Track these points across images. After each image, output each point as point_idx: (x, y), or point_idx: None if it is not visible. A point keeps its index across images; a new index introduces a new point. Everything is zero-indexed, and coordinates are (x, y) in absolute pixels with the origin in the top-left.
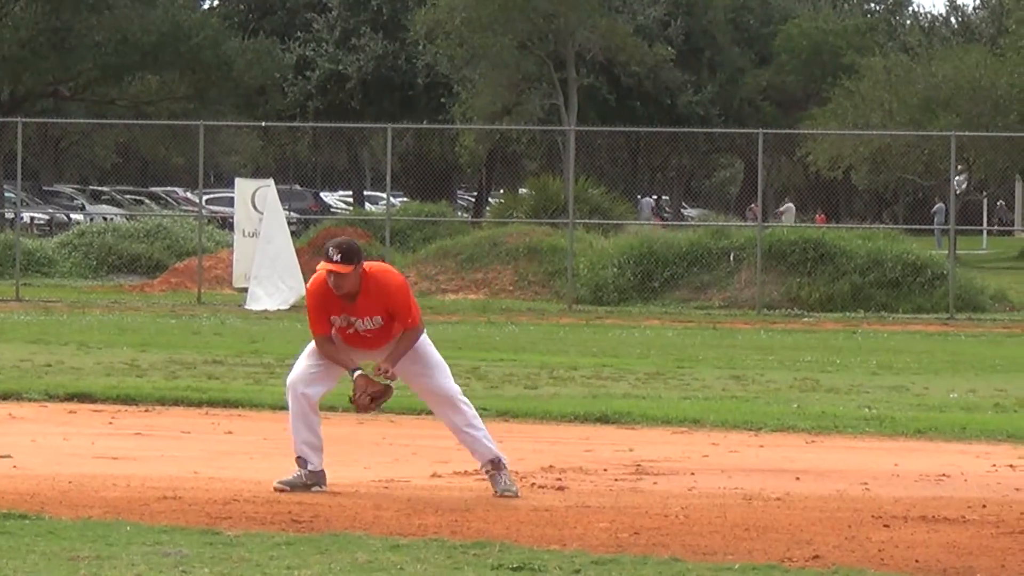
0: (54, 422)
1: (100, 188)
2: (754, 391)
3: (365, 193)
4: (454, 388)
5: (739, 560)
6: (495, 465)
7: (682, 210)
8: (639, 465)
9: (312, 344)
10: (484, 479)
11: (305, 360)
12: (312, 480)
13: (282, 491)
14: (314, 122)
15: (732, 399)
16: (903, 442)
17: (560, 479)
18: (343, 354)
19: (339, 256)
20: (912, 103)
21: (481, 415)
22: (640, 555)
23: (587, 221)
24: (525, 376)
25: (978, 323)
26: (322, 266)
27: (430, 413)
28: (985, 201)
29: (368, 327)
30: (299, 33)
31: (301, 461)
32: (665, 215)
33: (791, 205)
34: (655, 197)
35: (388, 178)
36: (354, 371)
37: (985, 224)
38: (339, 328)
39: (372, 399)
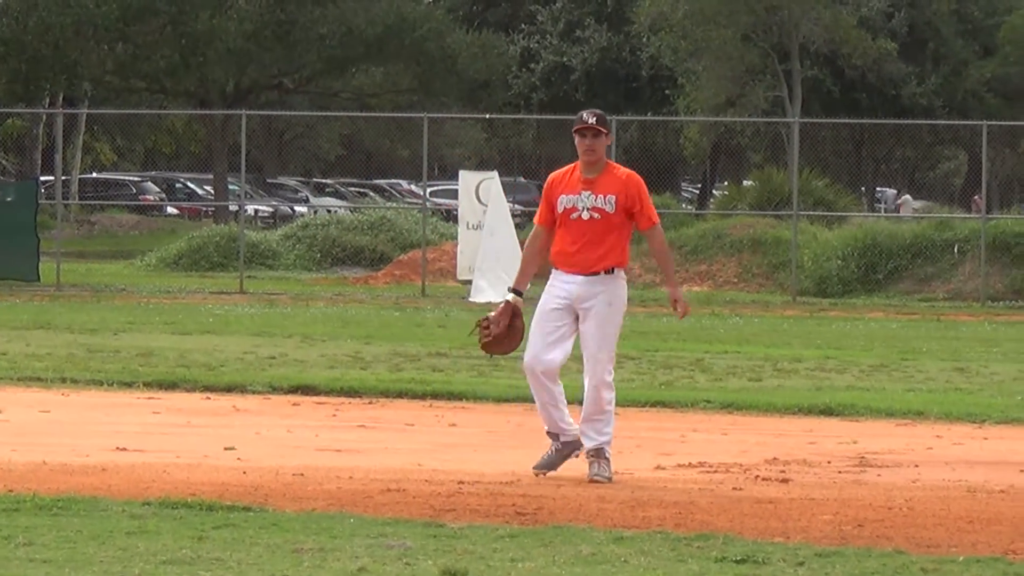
0: (278, 414)
1: (324, 180)
2: (978, 383)
3: None
4: (607, 363)
5: (963, 553)
6: (597, 454)
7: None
8: (863, 457)
9: (536, 317)
10: (707, 472)
11: (535, 334)
12: (568, 450)
13: (540, 474)
14: (538, 114)
15: (956, 391)
16: None
17: (784, 471)
18: (535, 262)
19: (594, 119)
20: None
21: (705, 407)
22: (863, 547)
23: (811, 213)
24: (749, 368)
25: None
26: (576, 128)
27: (653, 406)
28: None
29: (600, 205)
30: (523, 25)
31: (553, 436)
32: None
33: (908, 196)
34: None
35: None
36: (515, 295)
37: None
38: (565, 211)
39: (500, 335)
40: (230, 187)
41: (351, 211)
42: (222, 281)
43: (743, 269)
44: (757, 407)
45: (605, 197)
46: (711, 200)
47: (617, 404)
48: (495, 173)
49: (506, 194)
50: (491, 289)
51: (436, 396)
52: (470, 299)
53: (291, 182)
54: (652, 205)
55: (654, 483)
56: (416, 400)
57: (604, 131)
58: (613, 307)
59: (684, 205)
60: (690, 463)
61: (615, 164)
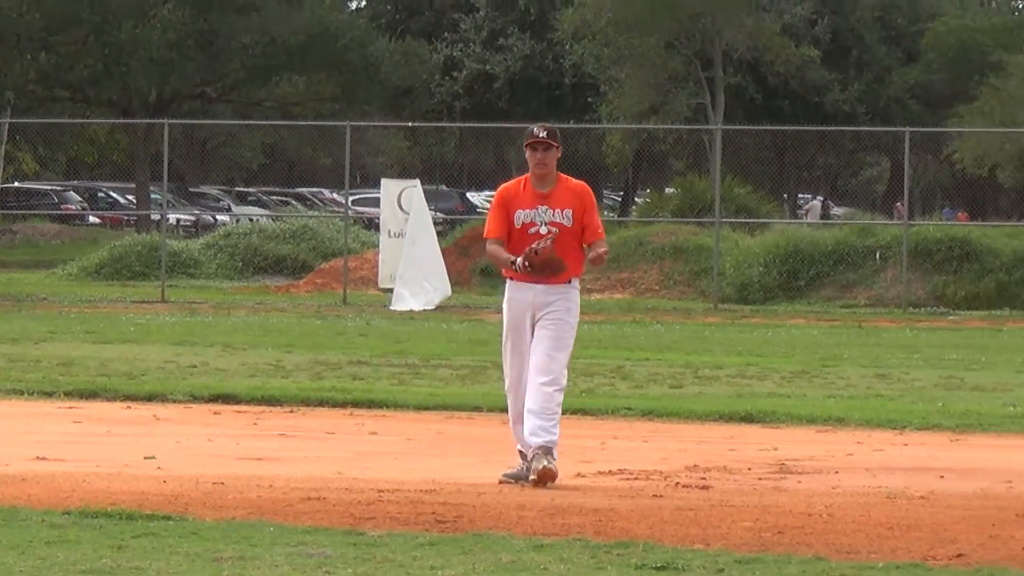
0: (199, 423)
1: (246, 189)
2: (899, 389)
3: None
4: (563, 366)
5: (882, 559)
6: (547, 451)
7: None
8: (783, 464)
9: (506, 348)
10: (628, 479)
11: (512, 352)
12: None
13: (506, 483)
14: (461, 122)
15: (877, 397)
16: None
17: (704, 478)
18: (505, 253)
19: (545, 132)
20: None
21: (625, 414)
22: (783, 554)
23: (733, 220)
24: (670, 375)
25: None
26: (527, 142)
27: (574, 413)
28: None
29: (558, 220)
30: (446, 33)
31: (524, 455)
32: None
33: (816, 203)
34: (822, 198)
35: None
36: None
37: None
38: (523, 226)
39: (543, 252)
40: (152, 196)
41: (273, 220)
42: (143, 290)
43: (665, 276)
44: (678, 414)
45: (563, 212)
46: (633, 207)
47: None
48: (417, 181)
49: (428, 202)
50: (413, 298)
51: (357, 404)
52: (392, 307)
53: (213, 191)
54: (599, 219)
55: (574, 490)
56: (337, 408)
57: (555, 144)
58: (571, 313)
59: (606, 212)
60: (610, 470)
61: (565, 176)
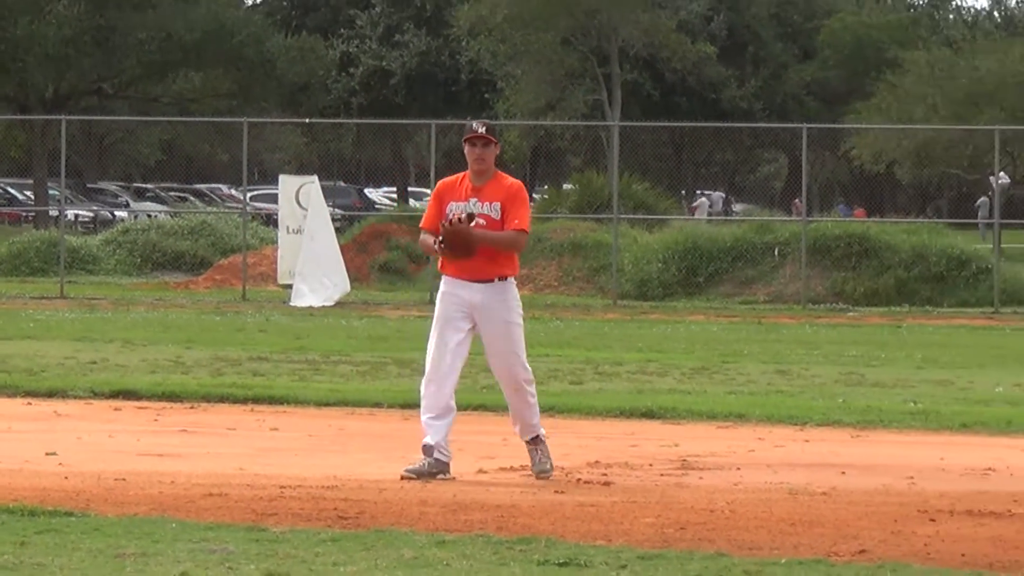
0: (99, 419)
1: (144, 185)
2: (799, 386)
3: (409, 189)
4: (523, 365)
5: (785, 555)
6: (534, 443)
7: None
8: (684, 460)
9: (433, 339)
10: (530, 475)
11: (438, 345)
12: (437, 468)
13: (408, 479)
14: (358, 118)
15: (777, 394)
16: (948, 436)
17: (606, 474)
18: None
19: (483, 128)
20: (956, 97)
21: None
22: (686, 550)
23: (631, 216)
24: (570, 372)
25: (1023, 317)
26: (466, 137)
27: (475, 409)
28: None
29: (486, 212)
30: (342, 30)
31: (428, 449)
32: (733, 211)
33: (704, 200)
34: (723, 194)
35: (432, 174)
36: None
37: None
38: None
39: (455, 224)
40: (50, 192)
41: (171, 216)
42: (42, 286)
43: (563, 273)
44: (578, 410)
45: (491, 204)
46: (531, 204)
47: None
48: (315, 177)
49: (326, 198)
50: (312, 294)
51: (257, 400)
52: (291, 303)
53: (111, 187)
54: (527, 215)
55: (476, 486)
56: (237, 404)
57: (493, 140)
58: (513, 311)
59: None
60: (512, 466)
61: (504, 174)
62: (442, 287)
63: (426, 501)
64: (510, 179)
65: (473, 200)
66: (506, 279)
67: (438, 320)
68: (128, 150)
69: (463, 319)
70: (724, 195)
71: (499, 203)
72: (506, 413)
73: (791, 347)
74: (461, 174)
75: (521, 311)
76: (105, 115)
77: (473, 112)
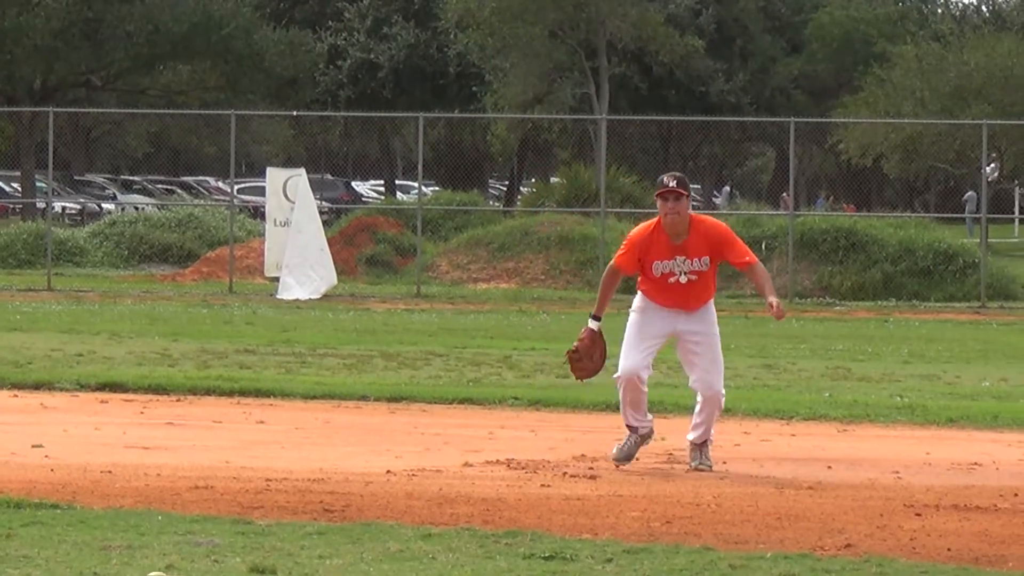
0: (86, 412)
1: (131, 178)
2: (786, 380)
3: (396, 182)
4: (721, 378)
5: (771, 549)
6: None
7: (714, 199)
8: (671, 454)
9: (630, 329)
10: (516, 469)
11: (633, 347)
12: (643, 442)
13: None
14: (345, 111)
15: (764, 388)
16: (935, 431)
17: (592, 468)
18: (612, 293)
19: (675, 182)
20: (944, 91)
21: (513, 404)
22: (672, 544)
23: (619, 210)
24: (557, 365)
25: (1010, 311)
26: (658, 192)
27: (462, 402)
28: (1017, 189)
29: (696, 268)
30: (330, 22)
31: (632, 428)
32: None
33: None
34: (729, 188)
35: (420, 167)
36: (595, 321)
37: (1017, 213)
38: (663, 275)
39: (582, 359)
40: (37, 184)
41: (159, 208)
42: (29, 278)
43: (550, 266)
44: (565, 404)
45: (700, 259)
46: (518, 197)
47: (425, 401)
48: (302, 170)
49: (313, 191)
50: (299, 287)
51: (244, 393)
52: (278, 296)
53: (99, 179)
54: (743, 245)
55: (462, 480)
56: (224, 397)
57: (686, 194)
58: (716, 331)
59: (491, 202)
60: (498, 460)
61: (698, 218)
62: (644, 302)
63: (412, 494)
64: (705, 223)
65: (681, 258)
66: (706, 304)
67: (636, 323)
68: (116, 142)
69: (662, 335)
70: (729, 189)
71: (708, 256)
72: (494, 406)
73: (778, 341)
74: (651, 225)
75: (717, 326)
76: (93, 107)
77: (461, 105)
